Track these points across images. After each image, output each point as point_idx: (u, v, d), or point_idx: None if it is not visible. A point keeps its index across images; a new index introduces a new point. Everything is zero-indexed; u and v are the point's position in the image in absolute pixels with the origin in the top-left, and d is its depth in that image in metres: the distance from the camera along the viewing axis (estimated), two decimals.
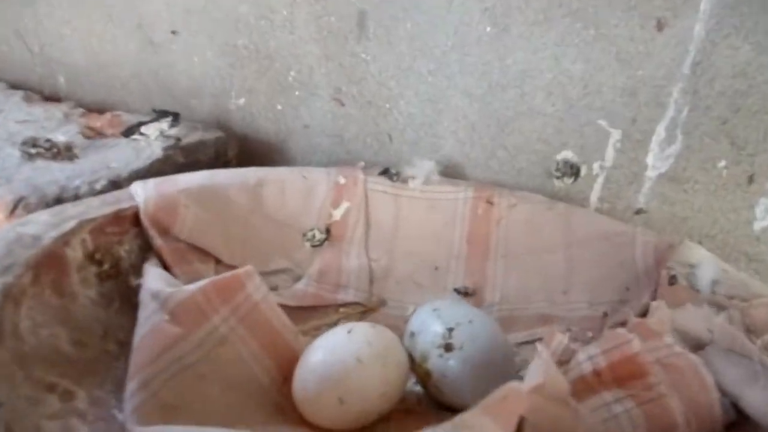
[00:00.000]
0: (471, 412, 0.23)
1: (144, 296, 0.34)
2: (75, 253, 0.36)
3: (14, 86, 0.70)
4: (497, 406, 0.22)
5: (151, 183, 0.44)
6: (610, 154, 0.53)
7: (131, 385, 0.30)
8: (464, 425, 0.22)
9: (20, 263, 0.30)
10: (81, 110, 0.63)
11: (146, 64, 0.67)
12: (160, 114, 0.59)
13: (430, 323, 0.38)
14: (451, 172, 0.58)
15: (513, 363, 0.38)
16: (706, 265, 0.42)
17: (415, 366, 0.38)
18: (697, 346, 0.35)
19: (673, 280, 0.42)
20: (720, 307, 0.38)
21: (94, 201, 0.39)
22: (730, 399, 0.32)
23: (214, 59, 0.64)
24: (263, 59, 0.62)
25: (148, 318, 0.33)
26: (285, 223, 0.51)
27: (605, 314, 0.46)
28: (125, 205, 0.41)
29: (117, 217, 0.39)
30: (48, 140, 0.48)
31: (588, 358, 0.32)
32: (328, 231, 0.52)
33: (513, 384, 0.24)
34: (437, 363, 0.37)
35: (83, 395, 0.30)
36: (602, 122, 0.53)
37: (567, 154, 0.55)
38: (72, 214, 0.37)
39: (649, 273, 0.45)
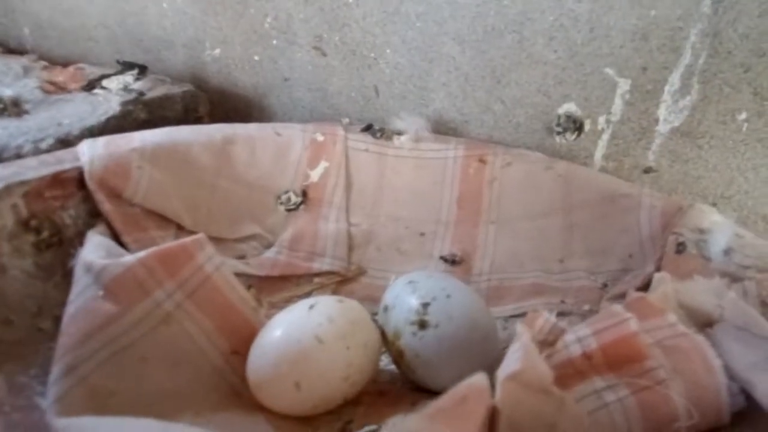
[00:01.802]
0: (423, 415, 0.19)
1: (77, 269, 0.31)
2: (3, 221, 0.32)
3: None
4: (455, 411, 0.18)
5: (101, 141, 0.40)
6: (617, 106, 0.48)
7: (55, 370, 0.27)
8: None
9: None
10: (43, 63, 0.58)
11: (114, 11, 0.62)
12: (126, 66, 0.54)
13: (405, 297, 0.34)
14: (442, 129, 0.53)
15: (495, 342, 0.34)
16: (718, 230, 0.37)
17: (388, 344, 0.34)
18: (706, 323, 0.31)
19: (680, 248, 0.37)
20: (734, 279, 0.33)
21: (31, 162, 0.35)
22: (739, 385, 0.28)
23: (185, 5, 0.59)
24: (237, 4, 0.56)
25: (80, 293, 0.29)
26: (256, 185, 0.47)
27: (605, 285, 0.42)
28: (68, 165, 0.37)
29: (57, 180, 0.35)
30: None
31: (577, 340, 0.28)
32: (304, 193, 0.48)
33: (475, 380, 0.20)
34: (410, 341, 0.33)
35: (1, 381, 0.26)
36: (609, 71, 0.47)
37: (569, 107, 0.50)
38: (0, 175, 0.33)
39: (654, 239, 0.41)
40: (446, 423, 0.18)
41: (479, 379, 0.20)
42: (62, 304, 0.32)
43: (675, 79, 0.46)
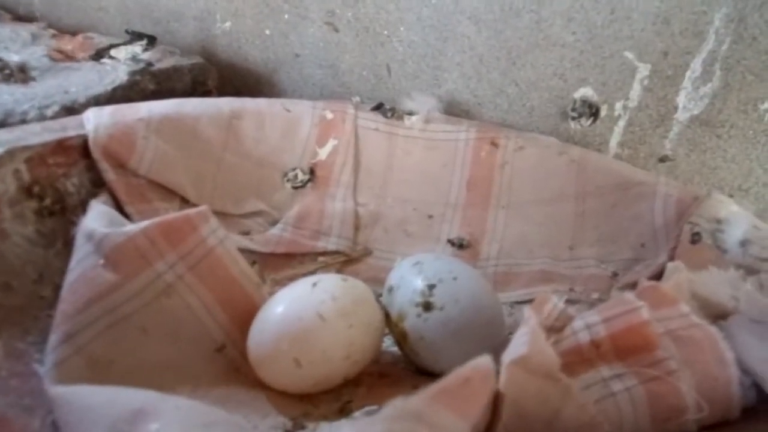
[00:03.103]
0: (425, 396, 0.18)
1: (79, 237, 0.30)
2: (5, 185, 0.31)
3: None
4: (458, 392, 0.18)
5: (107, 110, 0.39)
6: (635, 92, 0.47)
7: (53, 338, 0.27)
8: (415, 415, 0.17)
9: None
10: (52, 31, 0.57)
11: None
12: (134, 36, 0.53)
13: (410, 278, 0.34)
14: (454, 110, 0.52)
15: (501, 326, 0.33)
16: (735, 221, 0.36)
17: (391, 325, 0.34)
18: (719, 315, 0.30)
19: (696, 238, 0.36)
20: (750, 271, 0.32)
21: (35, 127, 0.35)
22: (752, 379, 0.27)
23: None
24: None
25: (80, 261, 0.29)
26: (263, 160, 0.46)
27: (615, 273, 0.41)
28: (72, 133, 0.36)
29: (61, 147, 0.35)
30: None
31: (585, 327, 0.27)
32: (311, 171, 0.47)
33: (479, 362, 0.19)
34: (415, 323, 0.32)
35: None
36: (629, 55, 0.46)
37: (586, 92, 0.48)
38: (2, 140, 0.32)
39: (668, 229, 0.40)
40: (448, 404, 0.18)
41: (484, 361, 0.20)
42: (63, 272, 0.32)
43: (696, 65, 0.44)
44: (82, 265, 0.29)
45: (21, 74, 0.43)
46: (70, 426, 0.24)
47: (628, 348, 0.27)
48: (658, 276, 0.36)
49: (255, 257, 0.41)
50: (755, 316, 0.28)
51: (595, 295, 0.40)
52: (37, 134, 0.34)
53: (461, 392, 0.18)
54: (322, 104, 0.49)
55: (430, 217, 0.47)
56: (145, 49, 0.52)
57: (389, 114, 0.49)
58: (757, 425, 0.27)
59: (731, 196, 0.46)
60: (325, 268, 0.43)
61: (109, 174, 0.37)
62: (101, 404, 0.23)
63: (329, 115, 0.48)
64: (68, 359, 0.26)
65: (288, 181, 0.47)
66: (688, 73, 0.45)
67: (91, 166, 0.37)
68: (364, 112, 0.49)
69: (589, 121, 0.49)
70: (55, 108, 0.40)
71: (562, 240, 0.44)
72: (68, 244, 0.34)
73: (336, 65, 0.56)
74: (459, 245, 0.45)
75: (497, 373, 0.23)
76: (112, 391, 0.24)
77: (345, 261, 0.44)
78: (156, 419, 0.22)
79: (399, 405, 0.17)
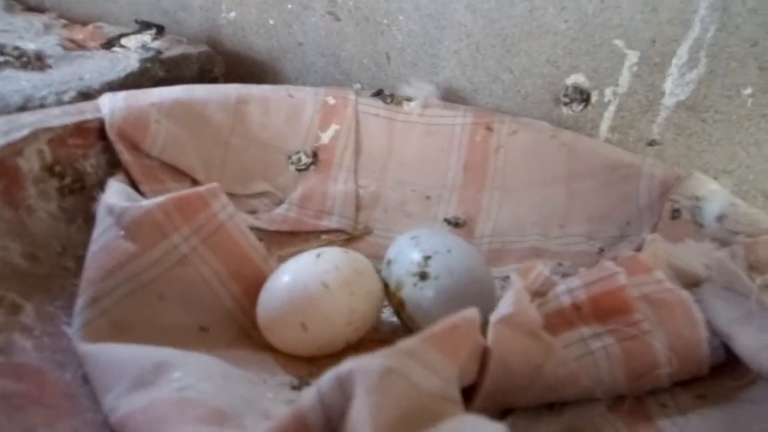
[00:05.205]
0: (418, 338, 0.21)
1: (100, 211, 0.32)
2: (30, 164, 0.34)
3: None
4: (446, 336, 0.20)
5: (121, 95, 0.41)
6: (624, 78, 0.49)
7: (80, 301, 0.29)
8: (408, 353, 0.19)
9: None
10: (63, 21, 0.60)
11: None
12: (143, 26, 0.55)
13: (407, 251, 0.36)
14: (451, 97, 0.54)
15: (493, 296, 0.36)
16: (713, 198, 0.38)
17: (390, 295, 0.36)
18: (693, 283, 0.32)
19: (676, 214, 0.38)
20: (724, 243, 0.34)
21: (55, 110, 0.37)
22: (720, 339, 0.30)
23: None
24: None
25: (102, 233, 0.31)
26: (268, 144, 0.48)
27: (601, 249, 0.43)
28: (89, 116, 0.38)
29: (79, 129, 0.37)
30: (17, 48, 0.45)
31: (567, 291, 0.30)
32: (314, 154, 0.49)
33: (467, 312, 0.21)
34: (411, 292, 0.35)
35: (31, 309, 0.29)
36: (618, 42, 0.48)
37: (577, 78, 0.50)
38: (26, 122, 0.34)
39: (652, 207, 0.42)
40: (438, 346, 0.20)
41: (470, 311, 0.22)
42: (84, 245, 0.34)
43: (683, 53, 0.46)
44: (105, 236, 0.31)
45: (38, 62, 0.45)
46: (98, 379, 0.26)
47: (606, 310, 0.29)
48: (639, 249, 0.38)
49: (261, 235, 0.43)
50: (724, 282, 0.30)
51: (582, 270, 0.42)
52: (57, 117, 0.36)
53: (450, 336, 0.20)
54: (324, 90, 0.51)
55: (428, 198, 0.49)
56: (154, 38, 0.54)
57: (388, 100, 0.52)
58: (725, 381, 0.29)
59: (716, 178, 0.48)
60: (327, 245, 0.45)
61: (125, 155, 0.39)
62: (126, 359, 0.26)
63: (331, 101, 0.50)
64: (93, 321, 0.29)
65: (292, 163, 0.49)
66: (674, 60, 0.47)
67: (108, 148, 0.40)
68: (365, 98, 0.51)
69: (581, 107, 0.51)
70: (72, 93, 0.43)
71: (553, 219, 0.46)
72: (88, 221, 0.36)
73: (337, 53, 0.58)
74: (455, 224, 0.47)
75: (485, 330, 0.26)
76: (136, 348, 0.27)
77: (347, 239, 0.46)
78: (178, 369, 0.24)
79: (399, 345, 0.20)
